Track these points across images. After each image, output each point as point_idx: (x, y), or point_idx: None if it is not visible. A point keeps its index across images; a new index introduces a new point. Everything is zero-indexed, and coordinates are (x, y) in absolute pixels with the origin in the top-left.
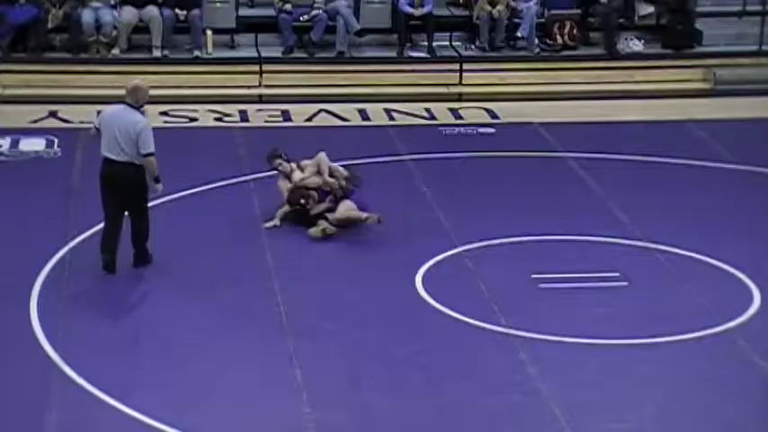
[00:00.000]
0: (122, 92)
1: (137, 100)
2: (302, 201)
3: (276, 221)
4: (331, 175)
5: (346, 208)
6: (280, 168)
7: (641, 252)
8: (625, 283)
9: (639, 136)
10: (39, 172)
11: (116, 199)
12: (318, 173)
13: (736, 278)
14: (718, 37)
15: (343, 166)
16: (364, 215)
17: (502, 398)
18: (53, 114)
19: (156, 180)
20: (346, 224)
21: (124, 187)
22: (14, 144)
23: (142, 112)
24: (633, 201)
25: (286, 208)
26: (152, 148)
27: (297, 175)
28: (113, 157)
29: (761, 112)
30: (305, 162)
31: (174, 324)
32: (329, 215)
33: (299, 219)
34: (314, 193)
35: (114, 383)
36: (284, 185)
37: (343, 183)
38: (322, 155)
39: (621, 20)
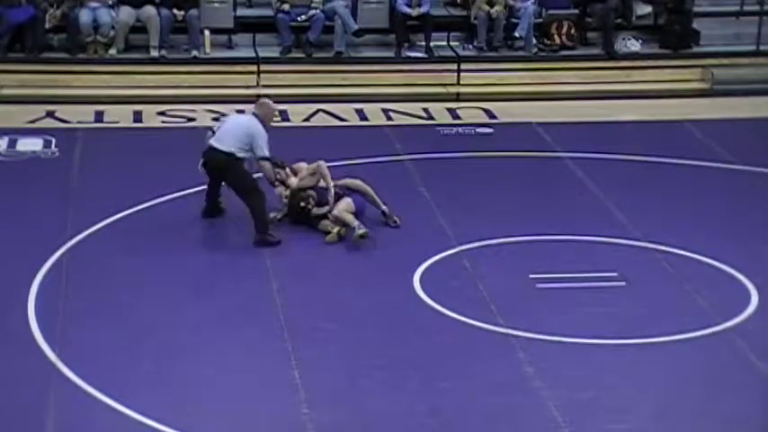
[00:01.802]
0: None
1: (261, 113)
2: (302, 204)
3: (278, 215)
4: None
5: (345, 206)
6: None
7: (640, 252)
8: (623, 283)
9: (637, 136)
10: (36, 172)
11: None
12: (313, 174)
13: (734, 278)
14: (716, 37)
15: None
16: (355, 223)
17: (500, 398)
18: (50, 114)
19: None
20: (343, 224)
21: (218, 173)
22: (12, 144)
23: (265, 128)
24: (631, 201)
25: (285, 210)
26: (266, 153)
27: (292, 181)
28: (217, 145)
29: (759, 111)
30: (299, 164)
31: (174, 324)
32: (329, 214)
33: (299, 219)
34: (313, 192)
35: (113, 384)
36: (282, 191)
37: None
38: (321, 163)
39: (619, 20)
